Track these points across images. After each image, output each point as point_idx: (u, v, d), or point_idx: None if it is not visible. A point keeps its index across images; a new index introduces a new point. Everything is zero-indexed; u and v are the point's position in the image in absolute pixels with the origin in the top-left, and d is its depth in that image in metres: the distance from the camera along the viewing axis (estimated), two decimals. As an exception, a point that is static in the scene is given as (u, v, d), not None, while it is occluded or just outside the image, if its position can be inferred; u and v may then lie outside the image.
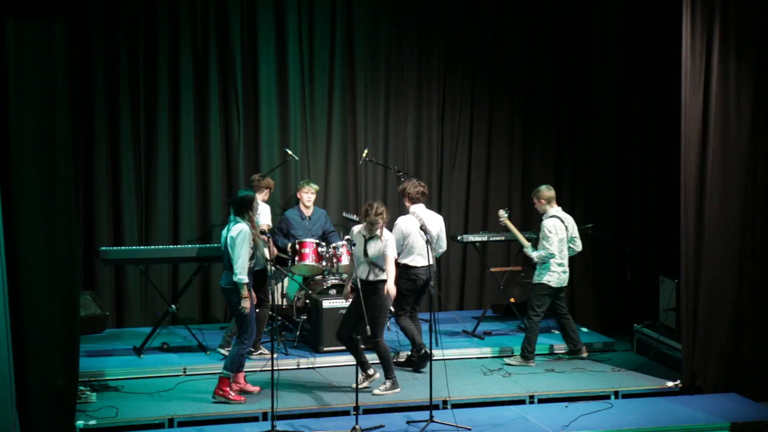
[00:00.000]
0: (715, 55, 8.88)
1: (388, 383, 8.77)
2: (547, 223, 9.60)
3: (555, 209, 9.71)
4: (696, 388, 9.06)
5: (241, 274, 8.32)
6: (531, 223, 11.86)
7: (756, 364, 9.11)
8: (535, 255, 9.67)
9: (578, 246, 9.86)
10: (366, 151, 11.24)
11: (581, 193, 11.82)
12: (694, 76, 8.91)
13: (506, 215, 10.10)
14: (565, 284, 9.78)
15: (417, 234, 9.21)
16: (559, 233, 9.59)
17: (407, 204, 9.49)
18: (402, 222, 9.32)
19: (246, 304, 8.34)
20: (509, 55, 11.82)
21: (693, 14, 8.86)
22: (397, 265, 9.11)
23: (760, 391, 8.99)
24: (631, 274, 10.92)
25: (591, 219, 11.37)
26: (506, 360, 9.77)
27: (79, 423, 7.89)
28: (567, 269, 9.71)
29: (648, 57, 11.30)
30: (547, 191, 9.73)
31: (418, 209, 9.42)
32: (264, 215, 9.74)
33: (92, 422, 7.98)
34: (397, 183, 11.46)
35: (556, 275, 9.62)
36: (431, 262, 9.07)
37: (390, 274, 8.69)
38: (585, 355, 9.93)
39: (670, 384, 9.16)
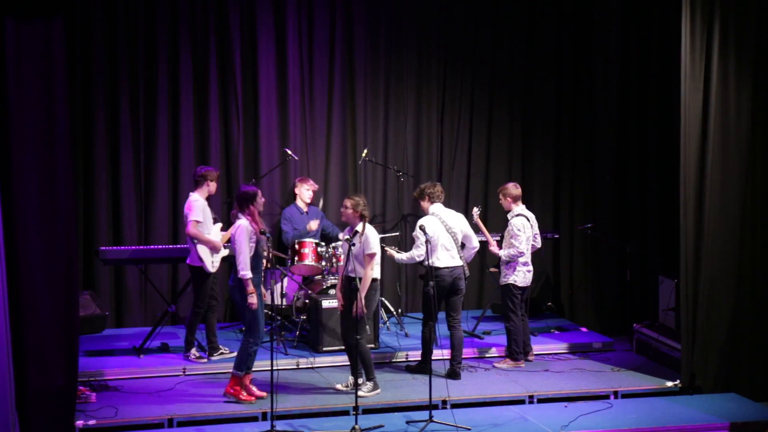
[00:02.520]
0: (715, 55, 8.88)
1: (370, 385, 8.71)
2: (516, 222, 9.56)
3: (520, 207, 9.68)
4: (696, 388, 9.06)
5: (244, 270, 8.30)
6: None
7: (756, 364, 9.10)
8: (503, 253, 9.58)
9: (538, 242, 9.82)
10: (366, 151, 11.25)
11: (581, 193, 11.82)
12: (694, 76, 8.91)
13: (479, 213, 10.05)
14: (530, 283, 9.74)
15: (440, 234, 9.14)
16: (526, 232, 9.57)
17: (426, 204, 9.33)
18: (427, 222, 9.17)
19: (253, 300, 8.30)
20: (509, 55, 11.82)
21: (693, 14, 8.86)
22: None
23: (760, 391, 8.99)
24: (631, 274, 10.90)
25: (591, 219, 11.38)
26: (495, 364, 9.72)
27: (79, 423, 7.90)
28: (531, 268, 9.69)
29: (648, 57, 11.30)
30: (514, 189, 9.69)
31: (438, 209, 9.31)
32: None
33: (92, 422, 7.98)
34: (397, 183, 11.49)
35: (522, 274, 9.58)
36: (454, 263, 9.22)
37: (365, 277, 8.58)
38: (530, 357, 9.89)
39: (669, 384, 9.16)
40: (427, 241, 8.81)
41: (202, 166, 9.79)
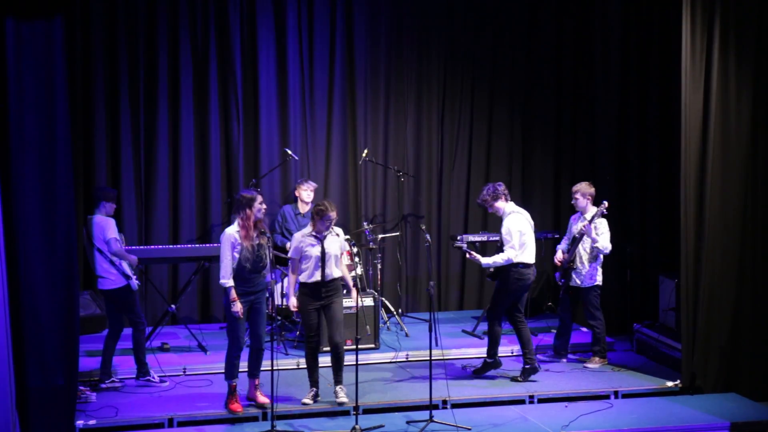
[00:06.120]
0: (715, 55, 8.88)
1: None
2: (600, 222, 9.52)
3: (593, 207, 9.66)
4: (696, 388, 9.06)
5: (223, 278, 8.21)
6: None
7: (756, 364, 9.10)
8: (603, 246, 9.44)
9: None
10: (366, 151, 11.25)
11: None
12: (694, 76, 8.91)
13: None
14: None
15: (529, 231, 9.11)
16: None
17: (501, 204, 9.14)
18: (516, 220, 9.09)
19: (235, 307, 8.19)
20: (509, 55, 11.82)
21: (693, 14, 8.86)
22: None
23: (760, 391, 8.99)
24: (631, 274, 10.91)
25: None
26: (587, 365, 9.66)
27: (79, 423, 7.90)
28: None
29: (648, 57, 11.30)
30: (591, 187, 9.69)
31: (515, 207, 9.21)
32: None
33: (92, 422, 7.98)
34: (397, 183, 11.49)
35: (601, 272, 9.64)
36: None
37: (346, 271, 8.63)
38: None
39: (669, 384, 9.16)
40: (516, 246, 8.85)
41: (101, 187, 9.52)
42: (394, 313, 11.08)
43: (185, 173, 11.07)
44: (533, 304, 10.91)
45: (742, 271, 9.08)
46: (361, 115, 11.59)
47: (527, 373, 9.15)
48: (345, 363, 8.66)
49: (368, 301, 9.91)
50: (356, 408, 8.15)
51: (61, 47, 7.47)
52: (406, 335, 10.56)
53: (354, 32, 11.47)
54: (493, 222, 11.47)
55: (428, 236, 9.16)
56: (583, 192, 9.64)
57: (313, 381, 8.59)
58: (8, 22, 7.28)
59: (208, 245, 10.20)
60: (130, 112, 10.89)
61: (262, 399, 8.38)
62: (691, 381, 9.08)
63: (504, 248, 9.05)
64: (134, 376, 9.12)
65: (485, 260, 9.06)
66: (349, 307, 9.44)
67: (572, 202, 9.76)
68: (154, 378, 9.04)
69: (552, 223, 11.84)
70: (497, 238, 10.85)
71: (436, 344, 9.49)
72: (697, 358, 9.05)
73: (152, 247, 10.25)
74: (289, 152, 11.01)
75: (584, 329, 11.04)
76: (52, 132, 7.45)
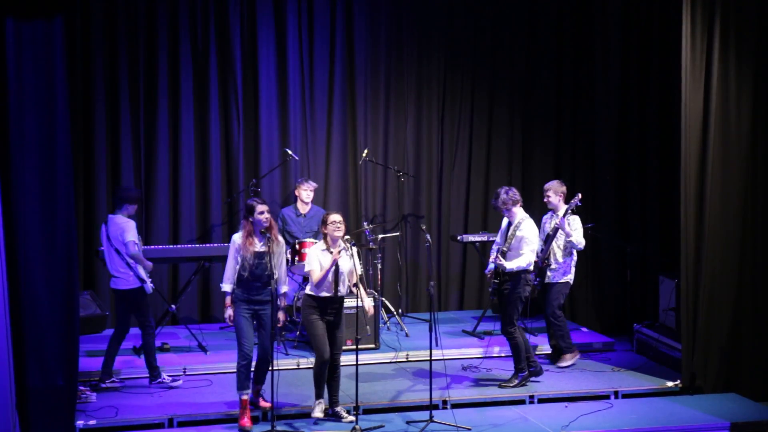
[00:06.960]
0: (715, 55, 8.88)
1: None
2: (573, 219, 9.51)
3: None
4: (696, 388, 9.07)
5: (222, 283, 8.24)
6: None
7: (756, 364, 9.11)
8: (577, 240, 9.42)
9: None
10: (366, 151, 11.25)
11: (581, 193, 11.79)
12: (694, 76, 8.91)
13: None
14: None
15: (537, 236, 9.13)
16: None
17: (517, 209, 9.05)
18: (534, 227, 9.05)
19: (226, 313, 8.17)
20: (509, 55, 11.82)
21: (693, 14, 8.86)
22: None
23: (760, 391, 9.00)
24: (631, 274, 10.91)
25: (591, 219, 11.37)
26: (558, 364, 9.62)
27: (79, 423, 7.90)
28: None
29: (648, 57, 11.30)
30: (563, 185, 9.69)
31: (524, 212, 9.17)
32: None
33: (92, 422, 7.99)
34: (397, 183, 11.48)
35: (573, 272, 9.63)
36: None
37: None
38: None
39: (670, 384, 9.16)
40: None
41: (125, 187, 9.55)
42: (394, 313, 11.08)
43: (185, 173, 11.07)
44: (534, 304, 10.88)
45: (742, 271, 9.08)
46: (361, 115, 11.59)
47: (532, 375, 9.13)
48: (345, 363, 8.62)
49: (368, 302, 9.90)
50: (356, 408, 8.15)
51: (61, 47, 7.47)
52: (406, 335, 10.56)
53: (354, 32, 11.46)
54: (493, 223, 11.46)
55: (428, 236, 9.13)
56: (555, 190, 9.65)
57: (319, 394, 8.31)
58: (8, 22, 7.29)
59: (208, 245, 10.21)
60: (130, 112, 10.88)
61: (264, 404, 8.36)
62: (691, 381, 9.08)
63: (521, 252, 8.94)
64: (135, 376, 9.13)
65: (510, 264, 8.93)
66: (350, 308, 9.43)
67: (544, 200, 9.74)
68: (166, 379, 9.03)
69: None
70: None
71: (436, 344, 9.49)
72: (697, 358, 9.05)
73: (152, 247, 10.25)
74: (289, 152, 11.01)
75: (584, 329, 11.06)
76: (52, 132, 7.46)
